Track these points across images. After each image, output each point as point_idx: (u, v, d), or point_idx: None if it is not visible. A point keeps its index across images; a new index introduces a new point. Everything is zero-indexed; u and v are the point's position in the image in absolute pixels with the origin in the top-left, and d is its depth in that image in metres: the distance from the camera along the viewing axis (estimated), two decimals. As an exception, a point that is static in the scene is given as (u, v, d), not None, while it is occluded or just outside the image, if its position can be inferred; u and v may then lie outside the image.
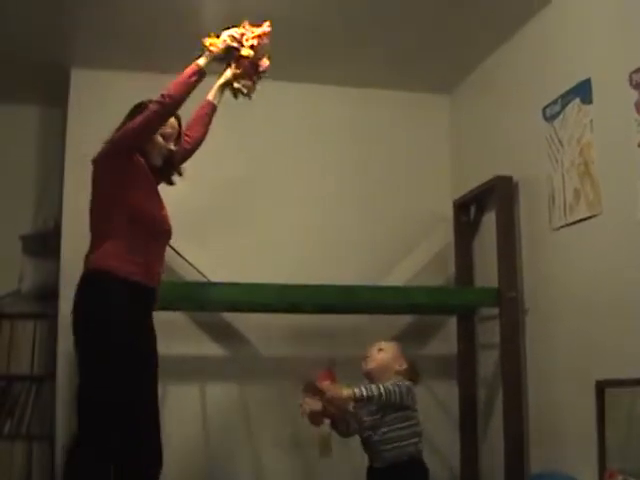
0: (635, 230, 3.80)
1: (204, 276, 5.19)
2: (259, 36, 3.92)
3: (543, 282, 4.70)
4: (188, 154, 4.07)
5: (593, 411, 3.95)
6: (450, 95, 6.04)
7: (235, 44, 3.85)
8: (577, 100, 4.37)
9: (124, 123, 3.68)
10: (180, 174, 4.06)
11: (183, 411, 5.27)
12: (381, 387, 3.93)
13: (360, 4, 4.75)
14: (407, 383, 4.06)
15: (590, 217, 4.21)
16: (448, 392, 5.45)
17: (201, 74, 3.66)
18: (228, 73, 4.01)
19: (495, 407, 5.12)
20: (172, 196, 5.33)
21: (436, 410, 5.47)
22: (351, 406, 4.04)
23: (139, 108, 3.66)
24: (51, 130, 5.80)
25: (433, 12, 4.82)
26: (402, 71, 5.66)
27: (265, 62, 4.03)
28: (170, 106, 3.57)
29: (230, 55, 3.91)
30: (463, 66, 5.61)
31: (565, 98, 4.48)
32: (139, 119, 3.55)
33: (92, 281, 3.56)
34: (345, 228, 5.71)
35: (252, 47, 3.91)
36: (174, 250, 5.15)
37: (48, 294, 5.35)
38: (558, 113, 4.56)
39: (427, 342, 5.65)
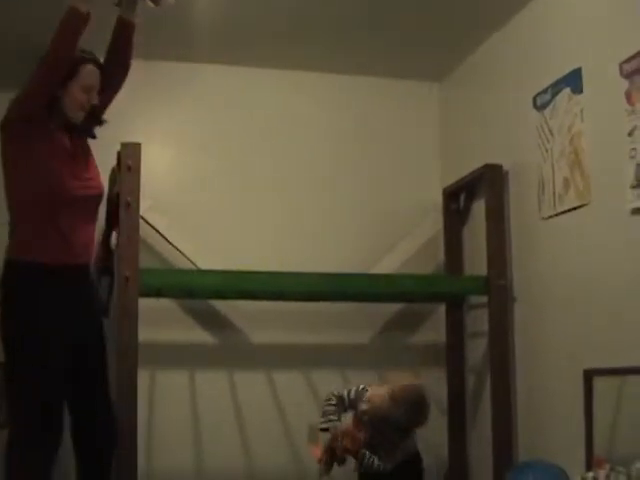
0: (624, 220, 3.81)
1: (193, 263, 5.18)
2: None
3: (532, 271, 4.71)
4: (110, 98, 3.65)
5: (581, 399, 3.96)
6: (440, 83, 6.03)
7: None
8: (567, 89, 4.37)
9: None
10: (101, 124, 3.66)
11: (172, 398, 5.27)
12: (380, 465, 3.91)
13: (350, -9, 4.75)
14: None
15: (579, 206, 4.22)
16: (436, 380, 5.45)
17: (72, 14, 3.24)
18: None
19: (483, 395, 5.13)
20: (160, 184, 5.36)
21: (425, 398, 5.49)
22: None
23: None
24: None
25: (424, 0, 4.81)
26: (392, 58, 5.64)
27: None
28: (47, 65, 3.26)
29: None
30: (454, 54, 5.59)
31: (555, 87, 4.48)
32: (23, 87, 3.29)
33: (6, 270, 3.38)
34: (334, 216, 5.71)
35: None
36: (163, 237, 5.16)
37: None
38: (548, 102, 4.56)
39: (416, 330, 5.66)
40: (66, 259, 3.39)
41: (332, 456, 4.02)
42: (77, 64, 3.38)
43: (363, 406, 4.00)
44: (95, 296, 3.68)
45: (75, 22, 3.23)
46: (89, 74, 3.42)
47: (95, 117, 3.56)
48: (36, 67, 3.26)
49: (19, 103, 3.33)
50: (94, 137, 3.65)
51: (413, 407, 3.94)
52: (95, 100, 3.45)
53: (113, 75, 3.58)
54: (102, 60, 3.58)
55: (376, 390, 4.00)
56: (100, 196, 3.59)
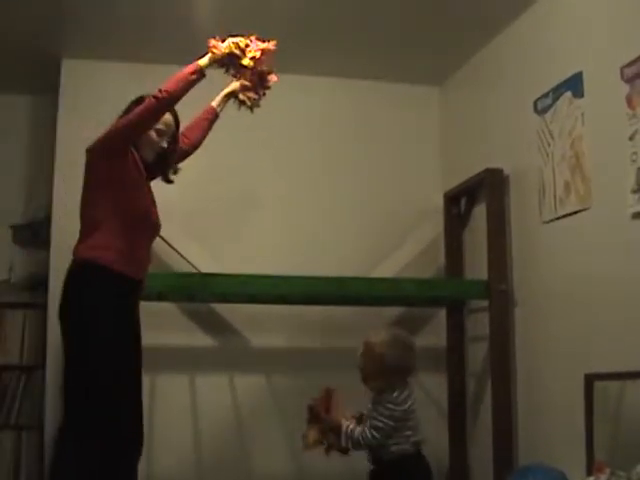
0: (625, 224, 3.81)
1: (194, 267, 5.19)
2: (262, 50, 3.86)
3: (533, 275, 4.71)
4: (184, 155, 4.12)
5: (582, 404, 3.95)
6: (441, 87, 6.04)
7: (237, 52, 3.79)
8: (568, 93, 4.37)
9: (121, 116, 3.69)
10: (175, 172, 4.10)
11: (173, 402, 5.28)
12: (362, 437, 3.83)
13: (350, -5, 4.76)
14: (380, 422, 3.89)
15: (580, 210, 4.22)
16: (437, 384, 5.46)
17: (200, 73, 3.64)
18: (236, 84, 4.04)
19: (484, 399, 5.13)
20: (163, 188, 5.35)
21: (425, 402, 5.47)
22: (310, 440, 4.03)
23: (138, 101, 3.67)
24: (42, 120, 5.78)
25: (424, 3, 4.81)
26: (392, 62, 5.65)
27: (273, 77, 4.02)
28: (165, 101, 3.56)
29: (230, 61, 3.85)
30: (454, 58, 5.60)
31: (556, 91, 4.49)
32: (133, 113, 3.56)
33: (78, 271, 3.59)
34: (335, 219, 5.72)
35: (253, 59, 3.85)
36: (165, 241, 5.15)
37: (38, 284, 5.35)
38: (549, 106, 4.56)
39: (416, 334, 5.63)
40: (132, 272, 3.64)
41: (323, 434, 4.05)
42: None
43: (359, 350, 4.01)
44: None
45: (197, 79, 3.63)
46: (165, 120, 3.75)
47: (166, 161, 3.92)
48: (143, 105, 3.56)
49: (120, 131, 3.59)
50: (170, 182, 4.11)
51: (406, 347, 3.96)
52: (165, 144, 3.79)
53: (190, 150, 4.16)
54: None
55: (370, 337, 4.01)
56: (159, 227, 3.93)
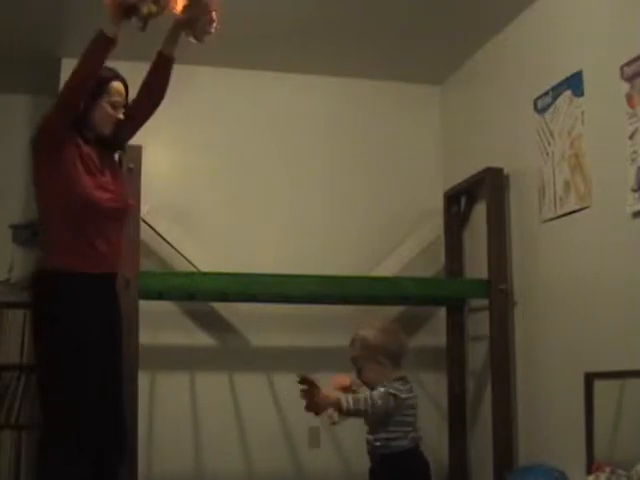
0: (624, 223, 3.81)
1: (194, 266, 5.19)
2: None
3: (533, 274, 4.71)
4: (146, 112, 3.73)
5: (582, 403, 3.96)
6: (441, 86, 6.04)
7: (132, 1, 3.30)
8: (568, 92, 4.37)
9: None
10: (122, 150, 3.90)
11: (173, 401, 5.27)
12: (369, 400, 3.81)
13: (352, -5, 4.76)
14: (391, 389, 3.90)
15: (580, 209, 4.22)
16: (437, 384, 5.46)
17: (100, 34, 3.33)
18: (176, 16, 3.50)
19: (484, 399, 5.12)
20: (161, 187, 5.37)
21: (425, 402, 5.46)
22: (335, 417, 3.99)
23: None
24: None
25: (425, 3, 4.81)
26: (393, 62, 5.65)
27: None
28: (74, 74, 3.36)
29: (134, 12, 3.33)
30: (454, 57, 5.60)
31: (556, 90, 4.48)
32: (58, 99, 3.41)
33: (39, 280, 3.47)
34: (335, 218, 5.72)
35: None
36: (164, 240, 5.16)
37: (35, 279, 5.34)
38: (549, 105, 4.56)
39: (416, 333, 5.65)
40: (94, 268, 3.46)
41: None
42: (107, 82, 3.52)
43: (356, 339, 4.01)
44: (119, 305, 3.70)
45: (103, 46, 3.35)
46: (118, 91, 3.55)
47: (121, 132, 3.66)
48: (63, 86, 3.39)
49: (47, 120, 3.42)
50: (124, 150, 3.87)
51: (399, 335, 3.98)
52: (121, 115, 3.56)
53: (144, 106, 3.70)
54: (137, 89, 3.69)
55: (364, 328, 4.03)
56: (126, 209, 3.66)
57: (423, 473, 3.83)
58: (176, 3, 3.41)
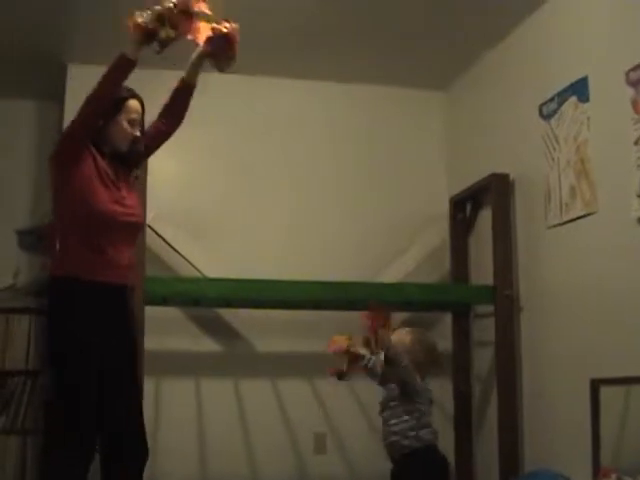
0: (630, 229, 3.81)
1: (199, 271, 5.19)
2: (179, 9, 3.39)
3: (538, 280, 4.70)
4: (164, 134, 3.86)
5: (587, 409, 3.95)
6: (446, 92, 6.04)
7: (151, 24, 3.35)
8: (574, 98, 4.37)
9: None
10: (137, 167, 3.90)
11: (178, 407, 5.27)
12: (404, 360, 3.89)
13: (355, -1, 4.76)
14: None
15: (586, 215, 4.22)
16: (443, 389, 5.44)
17: (122, 57, 3.39)
18: (199, 48, 3.61)
19: (490, 404, 5.12)
20: (168, 192, 5.38)
21: (431, 407, 5.49)
22: (367, 359, 4.03)
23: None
24: (48, 124, 5.79)
25: (430, 8, 4.81)
26: (398, 67, 5.65)
27: (229, 25, 3.52)
28: (92, 95, 3.47)
29: (155, 36, 3.37)
30: (459, 63, 5.60)
31: (562, 96, 4.48)
32: (76, 115, 3.50)
33: (52, 288, 3.56)
34: (341, 224, 5.72)
35: (174, 27, 3.38)
36: (170, 245, 5.16)
37: (44, 289, 5.34)
38: (555, 111, 4.56)
39: (422, 339, 5.65)
40: (105, 278, 3.53)
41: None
42: (124, 100, 3.63)
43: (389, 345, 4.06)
44: (133, 316, 3.76)
45: (123, 68, 3.44)
46: (134, 109, 3.66)
47: (137, 149, 3.75)
48: (83, 103, 3.48)
49: (66, 136, 3.56)
50: (136, 167, 3.86)
51: (431, 346, 4.06)
52: (137, 132, 3.67)
53: (166, 128, 3.84)
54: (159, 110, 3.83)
55: (398, 334, 4.07)
56: (139, 224, 3.78)
57: (445, 469, 3.95)
58: (199, 32, 3.49)
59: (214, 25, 3.49)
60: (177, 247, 5.20)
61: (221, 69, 3.64)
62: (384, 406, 3.96)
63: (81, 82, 5.47)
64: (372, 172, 5.86)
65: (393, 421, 3.88)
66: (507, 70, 5.18)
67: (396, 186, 5.87)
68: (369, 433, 5.27)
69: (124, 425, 3.59)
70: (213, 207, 5.54)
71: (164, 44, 3.41)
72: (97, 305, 3.50)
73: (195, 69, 3.74)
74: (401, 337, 4.00)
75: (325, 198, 5.75)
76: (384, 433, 3.94)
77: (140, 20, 3.35)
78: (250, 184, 5.64)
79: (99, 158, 3.59)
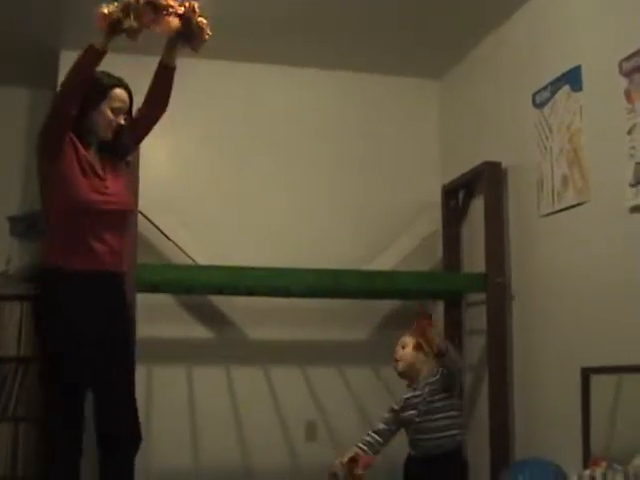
0: (623, 218, 3.81)
1: (191, 259, 5.18)
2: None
3: (530, 268, 4.71)
4: (150, 120, 3.82)
5: (578, 397, 3.96)
6: (440, 81, 6.03)
7: (115, 15, 3.38)
8: (567, 87, 4.37)
9: None
10: (127, 155, 3.89)
11: (170, 394, 5.28)
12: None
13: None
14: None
15: (578, 204, 4.22)
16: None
17: (90, 48, 3.47)
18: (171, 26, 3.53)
19: (481, 393, 5.13)
20: (160, 179, 5.37)
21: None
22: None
23: None
24: (40, 112, 5.70)
25: (424, -3, 4.82)
26: (392, 56, 5.64)
27: (187, 4, 3.48)
28: (63, 93, 3.53)
29: (120, 26, 3.41)
30: (454, 52, 5.60)
31: (555, 85, 4.48)
32: (46, 114, 3.56)
33: (41, 278, 3.61)
34: (333, 212, 5.72)
35: (137, 18, 3.39)
36: (162, 232, 5.15)
37: (35, 276, 5.34)
38: (548, 100, 4.56)
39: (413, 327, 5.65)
40: (87, 266, 3.54)
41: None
42: (109, 88, 3.63)
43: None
44: (124, 302, 3.76)
45: (91, 57, 3.48)
46: (120, 98, 3.64)
47: (120, 139, 3.72)
48: (56, 94, 3.56)
49: (43, 126, 3.55)
50: (125, 156, 3.85)
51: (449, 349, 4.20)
52: (122, 121, 3.65)
53: (151, 113, 3.79)
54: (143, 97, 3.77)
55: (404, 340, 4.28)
56: (123, 212, 3.72)
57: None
58: (167, 24, 3.50)
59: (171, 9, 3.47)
60: (169, 234, 5.19)
61: (195, 49, 3.61)
62: (423, 402, 4.02)
63: (73, 69, 5.50)
64: (365, 160, 5.85)
65: (439, 415, 3.98)
66: (501, 59, 5.17)
67: (389, 174, 5.87)
68: (360, 421, 5.29)
69: (117, 412, 3.60)
70: (205, 194, 5.53)
71: (130, 35, 3.44)
72: (81, 294, 3.50)
73: (170, 51, 3.70)
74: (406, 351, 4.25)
75: (318, 186, 5.75)
76: (423, 429, 4.02)
77: (106, 10, 3.39)
78: (243, 171, 5.63)
79: (80, 148, 3.58)
